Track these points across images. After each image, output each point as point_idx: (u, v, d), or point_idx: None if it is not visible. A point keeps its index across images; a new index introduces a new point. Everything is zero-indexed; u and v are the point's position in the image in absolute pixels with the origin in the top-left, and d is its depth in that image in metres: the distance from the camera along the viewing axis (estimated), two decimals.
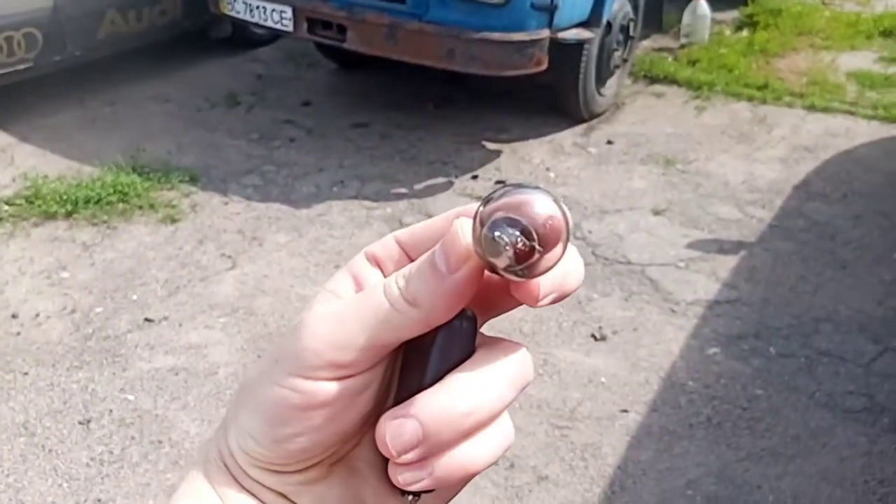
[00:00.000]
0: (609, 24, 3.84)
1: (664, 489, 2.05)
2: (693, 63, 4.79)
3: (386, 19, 3.40)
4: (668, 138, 3.94)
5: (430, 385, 0.31)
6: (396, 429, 0.30)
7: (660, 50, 5.04)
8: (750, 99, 4.38)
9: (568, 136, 3.96)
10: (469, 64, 3.32)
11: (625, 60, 4.20)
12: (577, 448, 2.17)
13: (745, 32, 5.37)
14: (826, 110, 4.28)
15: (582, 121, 4.04)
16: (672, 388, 2.38)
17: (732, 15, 5.61)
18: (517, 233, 0.28)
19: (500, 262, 0.28)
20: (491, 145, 3.86)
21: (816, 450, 2.17)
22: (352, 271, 0.34)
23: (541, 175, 3.60)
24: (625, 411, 2.29)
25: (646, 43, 5.02)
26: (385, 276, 0.33)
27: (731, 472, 2.10)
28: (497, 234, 0.28)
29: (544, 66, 3.46)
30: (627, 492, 2.04)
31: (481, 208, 0.29)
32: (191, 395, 2.26)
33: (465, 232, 0.29)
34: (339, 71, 4.63)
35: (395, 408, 0.31)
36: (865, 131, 4.06)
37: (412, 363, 0.32)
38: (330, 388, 0.30)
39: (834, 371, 2.44)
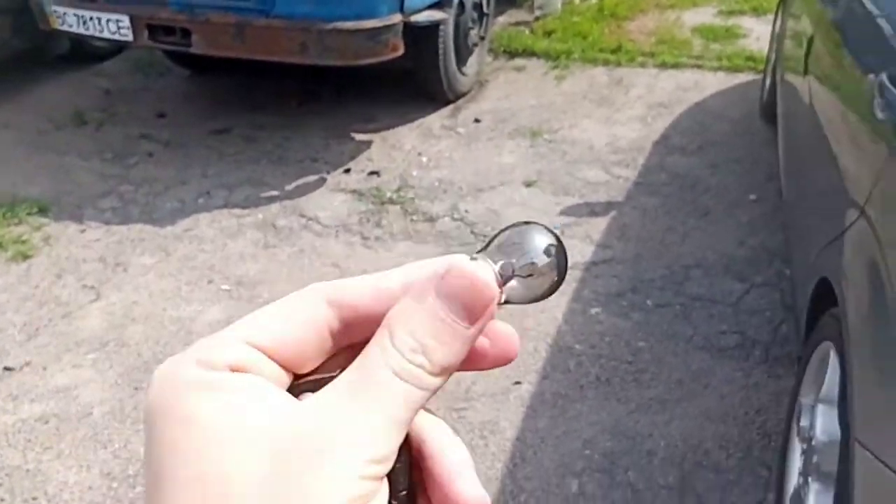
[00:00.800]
0: (462, 3, 3.86)
1: (562, 453, 2.09)
2: (549, 34, 4.90)
3: (231, 18, 3.27)
4: (532, 110, 4.02)
5: None
6: None
7: (516, 24, 5.12)
8: (605, 63, 4.52)
9: (436, 119, 3.96)
10: (323, 56, 3.25)
11: (482, 38, 4.23)
12: (476, 427, 2.18)
13: None
14: (676, 66, 4.48)
15: (448, 102, 4.05)
16: (560, 353, 2.43)
17: None
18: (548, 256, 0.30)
19: (545, 283, 0.30)
20: (360, 136, 3.80)
21: (699, 391, 2.28)
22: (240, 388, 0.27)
23: (413, 160, 3.58)
24: (517, 383, 2.32)
25: (502, 18, 5.08)
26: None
27: (624, 425, 2.17)
28: (538, 260, 0.30)
29: (401, 52, 3.43)
30: (528, 462, 2.07)
31: (497, 261, 0.30)
32: (64, 443, 2.11)
33: (489, 278, 0.28)
34: (193, 77, 4.43)
35: None
36: (713, 83, 4.28)
37: None
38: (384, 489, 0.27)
39: (707, 314, 2.57)
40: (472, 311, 0.28)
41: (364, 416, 0.26)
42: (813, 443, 1.60)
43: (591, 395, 2.27)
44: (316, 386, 0.28)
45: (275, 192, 3.32)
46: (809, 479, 1.58)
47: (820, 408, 1.60)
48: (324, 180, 3.41)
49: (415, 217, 3.14)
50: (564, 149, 3.63)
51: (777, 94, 3.07)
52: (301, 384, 0.29)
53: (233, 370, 0.27)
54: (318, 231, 3.04)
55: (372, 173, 3.46)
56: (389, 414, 0.27)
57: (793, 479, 1.70)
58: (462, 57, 4.00)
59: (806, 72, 2.31)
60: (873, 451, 1.15)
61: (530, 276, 0.30)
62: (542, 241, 0.30)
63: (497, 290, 0.29)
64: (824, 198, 1.76)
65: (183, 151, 3.65)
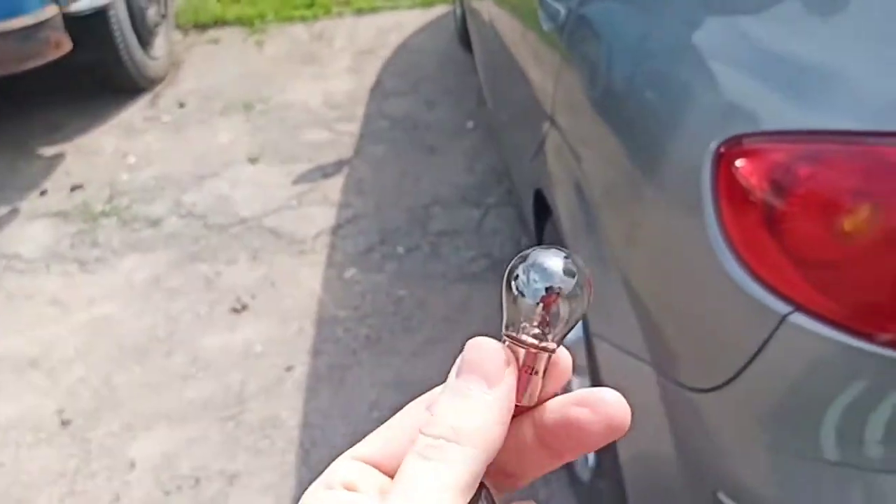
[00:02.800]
0: None
1: (352, 423, 2.05)
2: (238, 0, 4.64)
3: None
4: (238, 82, 3.80)
5: None
6: None
7: None
8: (303, 20, 4.40)
9: (135, 112, 3.61)
10: None
11: (164, 16, 3.89)
12: (256, 428, 2.06)
13: None
14: (373, 11, 4.47)
15: (143, 91, 3.70)
16: (326, 324, 2.37)
17: None
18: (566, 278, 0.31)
19: (576, 304, 0.30)
20: (50, 150, 3.35)
21: (464, 321, 2.34)
22: None
23: (119, 164, 3.23)
24: (290, 368, 2.22)
25: None
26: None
27: (404, 376, 2.17)
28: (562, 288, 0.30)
29: (70, 47, 3.04)
30: (319, 445, 2.00)
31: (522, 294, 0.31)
32: None
33: (493, 343, 0.30)
34: None
35: None
36: (411, 21, 4.34)
37: None
38: None
39: (455, 246, 2.64)
40: (487, 375, 0.29)
41: None
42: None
43: (366, 357, 2.25)
44: None
45: None
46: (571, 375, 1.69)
47: None
48: (17, 210, 2.96)
49: (136, 225, 2.84)
50: (282, 115, 3.49)
51: (467, 20, 3.18)
52: None
53: (346, 487, 0.28)
54: (22, 269, 2.64)
55: (74, 188, 3.07)
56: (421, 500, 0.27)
57: None
58: (146, 40, 3.65)
59: None
60: (609, 339, 1.24)
61: (561, 306, 0.30)
62: (555, 268, 0.30)
63: (506, 352, 0.30)
64: (522, 113, 1.84)
65: None
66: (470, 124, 3.29)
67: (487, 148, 3.09)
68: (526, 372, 0.30)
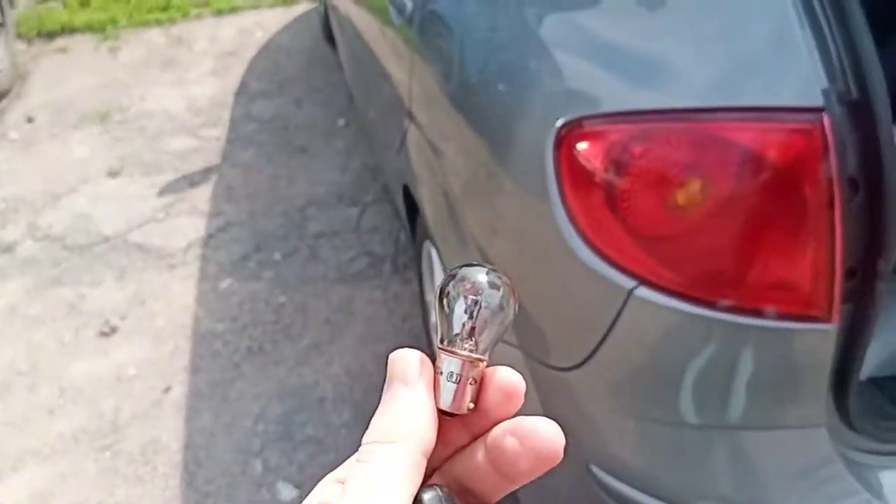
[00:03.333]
0: None
1: (237, 439, 1.98)
2: (86, 4, 4.38)
3: None
4: (93, 92, 3.59)
5: None
6: None
7: (44, 0, 4.47)
8: (159, 23, 4.20)
9: None
10: None
11: (1, 24, 3.62)
12: (136, 455, 1.95)
13: None
14: (233, 11, 4.34)
15: None
16: (203, 339, 2.28)
17: None
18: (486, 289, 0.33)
19: (499, 314, 0.33)
20: None
21: (347, 323, 2.31)
22: None
23: None
24: (167, 389, 2.12)
25: None
26: None
27: (289, 385, 2.12)
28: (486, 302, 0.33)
29: None
30: (203, 465, 1.92)
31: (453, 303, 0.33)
32: None
33: (408, 351, 0.32)
34: None
35: None
36: (274, 20, 4.24)
37: None
38: None
39: (333, 247, 2.60)
40: (405, 379, 0.32)
41: None
42: None
43: (248, 369, 2.18)
44: None
45: None
46: None
47: None
48: None
49: None
50: (142, 124, 3.33)
51: (329, 17, 3.13)
52: None
53: None
54: None
55: None
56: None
57: None
58: None
59: None
60: None
61: (489, 317, 0.32)
62: (480, 283, 0.33)
63: (419, 354, 0.32)
64: (384, 109, 1.83)
65: None
66: (342, 122, 3.25)
67: (361, 145, 3.07)
68: (463, 382, 0.32)
